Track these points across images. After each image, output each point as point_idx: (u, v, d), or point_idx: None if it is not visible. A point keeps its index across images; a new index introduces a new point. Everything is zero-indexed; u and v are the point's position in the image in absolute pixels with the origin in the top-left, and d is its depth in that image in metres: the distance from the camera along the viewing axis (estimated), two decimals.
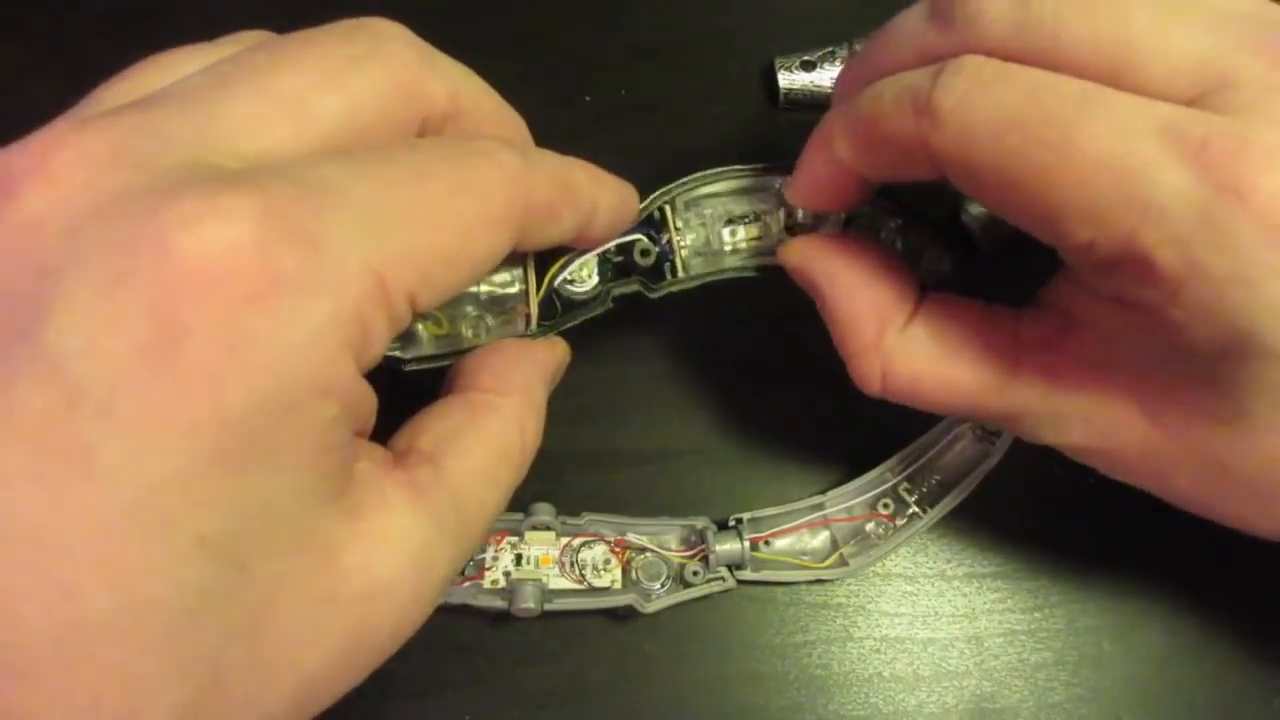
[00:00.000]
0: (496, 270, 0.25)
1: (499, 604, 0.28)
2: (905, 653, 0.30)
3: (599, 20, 0.39)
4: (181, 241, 0.15)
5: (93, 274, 0.15)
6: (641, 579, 0.30)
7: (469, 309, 0.25)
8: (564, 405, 0.33)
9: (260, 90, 0.19)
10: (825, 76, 0.37)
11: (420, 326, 0.25)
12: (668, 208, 0.28)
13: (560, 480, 0.32)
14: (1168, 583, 0.31)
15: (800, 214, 0.28)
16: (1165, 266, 0.19)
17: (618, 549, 0.30)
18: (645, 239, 0.27)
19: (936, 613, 0.31)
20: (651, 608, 0.29)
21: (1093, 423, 0.23)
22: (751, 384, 0.34)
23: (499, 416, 0.23)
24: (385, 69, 0.20)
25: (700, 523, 0.30)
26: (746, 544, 0.30)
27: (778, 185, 0.28)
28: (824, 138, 0.24)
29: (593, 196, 0.23)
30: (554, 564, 0.29)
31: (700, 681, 0.30)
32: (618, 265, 0.27)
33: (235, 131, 0.18)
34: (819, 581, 0.31)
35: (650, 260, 0.27)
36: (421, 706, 0.29)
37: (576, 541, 0.30)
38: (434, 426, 0.22)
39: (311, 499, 0.17)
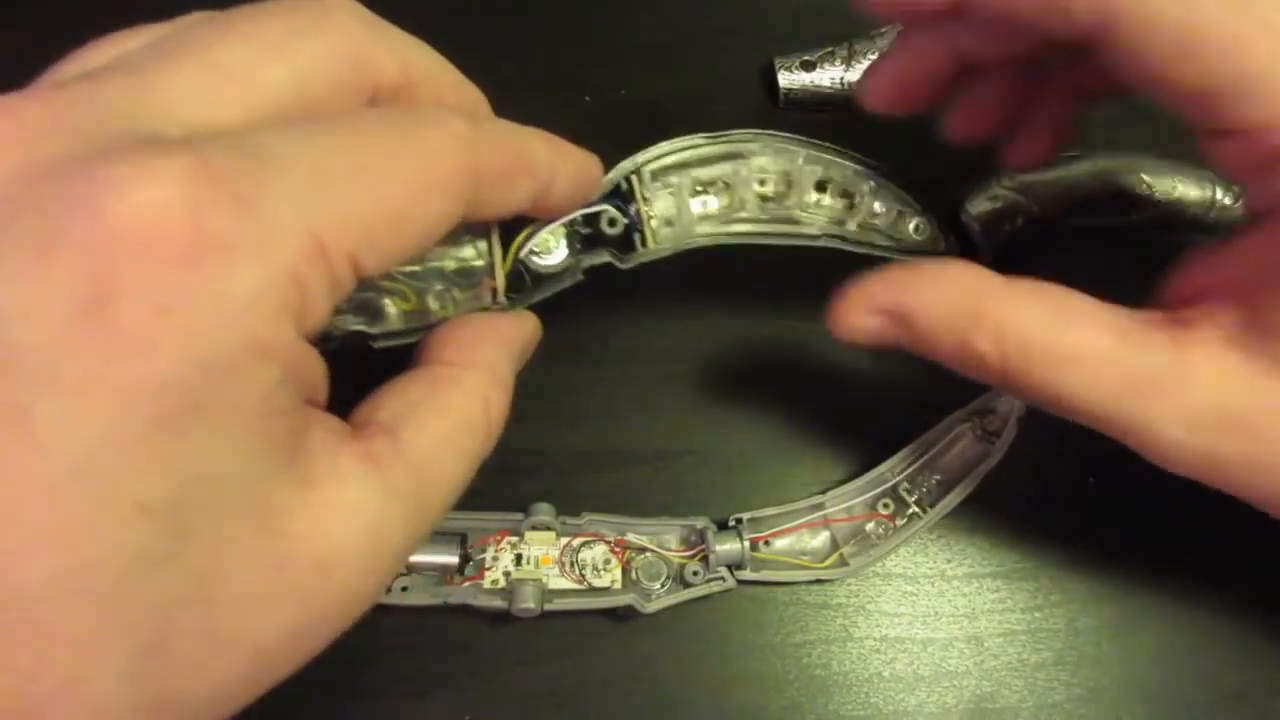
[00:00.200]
0: (461, 243, 0.25)
1: (499, 604, 0.28)
2: (905, 653, 0.30)
3: (599, 20, 0.39)
4: (112, 203, 0.15)
5: (27, 239, 0.15)
6: (641, 579, 0.30)
7: (435, 283, 0.25)
8: (564, 405, 0.33)
9: (202, 61, 0.19)
10: (825, 76, 0.37)
11: (387, 301, 0.24)
12: (634, 178, 0.27)
13: (560, 480, 0.32)
14: (1168, 583, 0.31)
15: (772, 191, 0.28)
16: None
17: (618, 549, 0.30)
18: (612, 209, 0.27)
19: (936, 613, 0.31)
20: (651, 608, 0.29)
21: (1226, 403, 0.22)
22: (751, 384, 0.34)
23: (462, 389, 0.22)
24: (332, 39, 0.20)
25: (700, 523, 0.30)
26: (746, 544, 0.30)
27: (747, 154, 0.28)
28: None
29: (550, 165, 0.23)
30: (554, 564, 0.29)
31: (700, 681, 0.30)
32: (586, 237, 0.27)
33: (176, 101, 0.18)
34: (819, 581, 0.31)
35: (618, 230, 0.27)
36: (421, 706, 0.29)
37: (576, 541, 0.30)
38: (394, 400, 0.21)
39: (259, 465, 0.17)
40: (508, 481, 0.32)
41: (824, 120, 0.37)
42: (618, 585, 0.30)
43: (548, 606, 0.29)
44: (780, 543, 0.31)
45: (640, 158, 0.28)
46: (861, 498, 0.31)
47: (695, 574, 0.30)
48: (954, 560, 0.32)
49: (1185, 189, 0.33)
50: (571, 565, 0.30)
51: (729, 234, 0.28)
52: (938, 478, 0.31)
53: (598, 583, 0.29)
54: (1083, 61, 0.23)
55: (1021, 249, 0.34)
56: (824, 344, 0.34)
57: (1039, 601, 0.31)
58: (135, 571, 0.15)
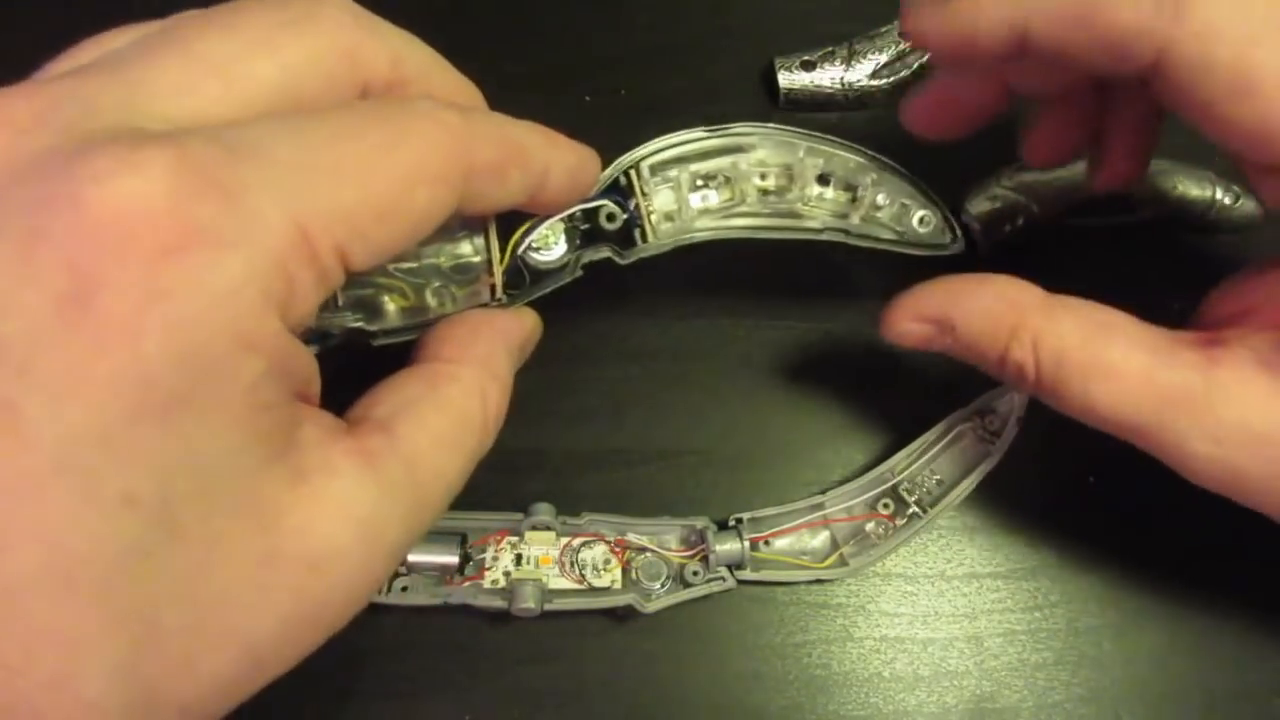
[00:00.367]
0: (459, 239, 0.25)
1: (499, 604, 0.28)
2: (905, 653, 0.30)
3: (599, 20, 0.39)
4: (94, 196, 0.15)
5: (9, 232, 0.15)
6: (641, 579, 0.30)
7: (434, 280, 0.25)
8: (564, 405, 0.33)
9: (188, 55, 0.19)
10: (825, 76, 0.37)
11: (386, 299, 0.24)
12: (633, 173, 0.27)
13: (560, 480, 0.32)
14: (1168, 583, 0.31)
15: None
16: None
17: (618, 549, 0.30)
18: (611, 204, 0.27)
19: (936, 613, 0.31)
20: (651, 608, 0.29)
21: (1254, 423, 0.23)
22: (752, 384, 0.34)
23: (459, 385, 0.22)
24: (321, 34, 0.20)
25: (700, 523, 0.30)
26: (746, 544, 0.30)
27: (747, 147, 0.28)
28: (1000, 24, 0.24)
29: (544, 158, 0.23)
30: (554, 564, 0.29)
31: (700, 681, 0.30)
32: (585, 233, 0.27)
33: (161, 96, 0.18)
34: (819, 581, 0.31)
35: (616, 224, 0.27)
36: (421, 706, 0.29)
37: (576, 541, 0.30)
38: (390, 396, 0.21)
39: (247, 459, 0.17)
40: (508, 481, 0.32)
41: (824, 120, 0.37)
42: (618, 585, 0.30)
43: (548, 606, 0.29)
44: (780, 543, 0.31)
45: (639, 152, 0.27)
46: (861, 498, 0.31)
47: (695, 574, 0.30)
48: (954, 560, 0.32)
49: (1185, 188, 0.34)
50: (571, 565, 0.30)
51: (730, 228, 0.28)
52: (938, 478, 0.31)
53: (598, 583, 0.29)
54: (1144, 88, 0.23)
55: (1021, 249, 0.34)
56: (824, 344, 0.34)
57: (1039, 601, 0.31)
58: (123, 565, 0.15)
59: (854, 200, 0.29)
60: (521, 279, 0.26)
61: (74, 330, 0.15)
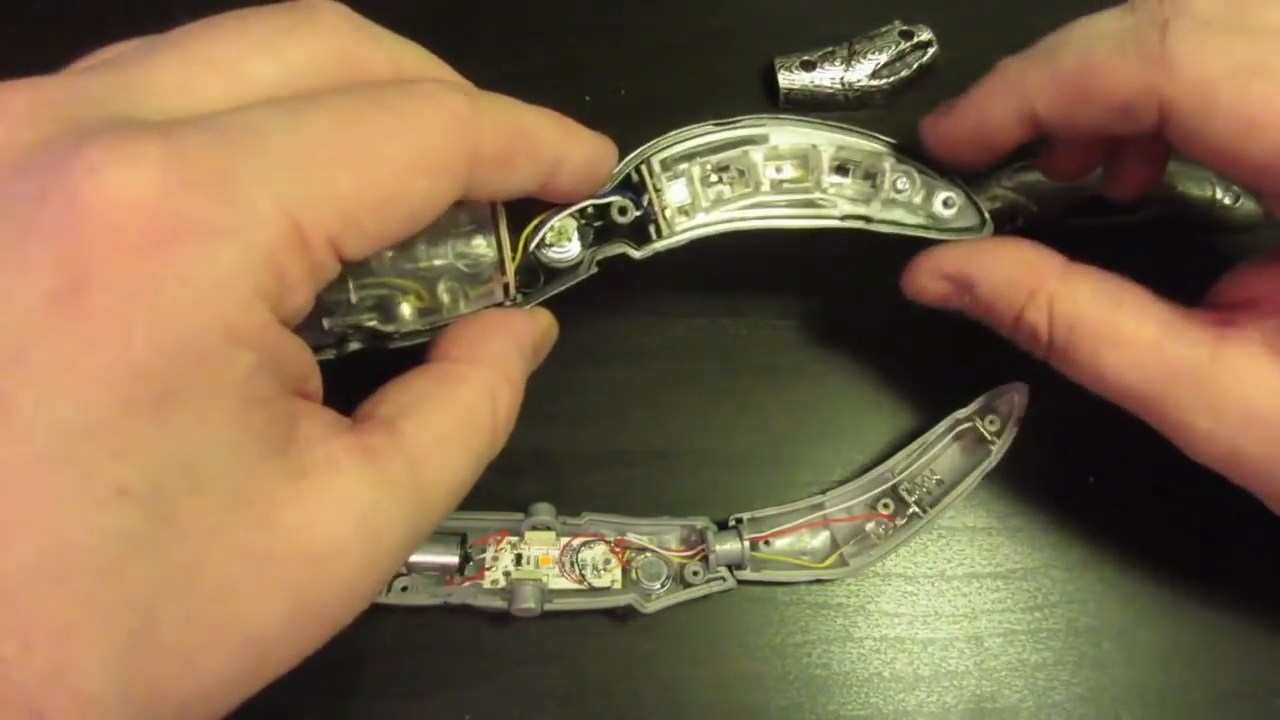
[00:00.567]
0: (471, 238, 0.24)
1: (499, 604, 0.28)
2: (905, 653, 0.30)
3: (599, 20, 0.39)
4: (85, 188, 0.15)
5: (3, 225, 0.16)
6: (641, 579, 0.30)
7: (447, 280, 0.25)
8: (564, 405, 0.33)
9: (188, 57, 0.19)
10: (825, 76, 0.37)
11: (401, 299, 0.24)
12: (644, 168, 0.27)
13: (560, 480, 0.32)
14: (1168, 583, 0.31)
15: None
16: None
17: (618, 549, 0.30)
18: (623, 200, 0.26)
19: (936, 613, 0.31)
20: (651, 608, 0.29)
21: (1257, 404, 0.23)
22: (752, 384, 0.34)
23: (468, 385, 0.22)
24: (320, 37, 0.20)
25: (700, 523, 0.30)
26: (746, 544, 0.30)
27: (759, 138, 0.28)
28: (1012, 85, 0.25)
29: (556, 147, 0.23)
30: (554, 564, 0.29)
31: (700, 681, 0.30)
32: (599, 229, 0.26)
33: (160, 92, 0.18)
34: (819, 581, 0.31)
35: (629, 218, 0.26)
36: (421, 706, 0.29)
37: (576, 541, 0.30)
38: (397, 395, 0.21)
39: (243, 454, 0.17)
40: (508, 481, 0.32)
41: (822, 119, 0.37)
42: (618, 585, 0.30)
43: (548, 606, 0.29)
44: (780, 543, 0.31)
45: (650, 148, 0.27)
46: (861, 498, 0.31)
47: (695, 574, 0.30)
48: (954, 560, 0.32)
49: (1185, 188, 0.33)
50: (571, 565, 0.30)
51: (747, 219, 0.27)
52: (938, 478, 0.31)
53: (598, 583, 0.29)
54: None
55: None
56: (824, 344, 0.34)
57: (1039, 601, 0.31)
58: (118, 557, 0.15)
59: (873, 187, 0.28)
60: (536, 278, 0.26)
61: (64, 323, 0.15)
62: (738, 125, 0.28)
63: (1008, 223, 0.33)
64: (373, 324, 0.24)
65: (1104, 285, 0.26)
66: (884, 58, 0.36)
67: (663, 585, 0.30)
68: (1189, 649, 0.30)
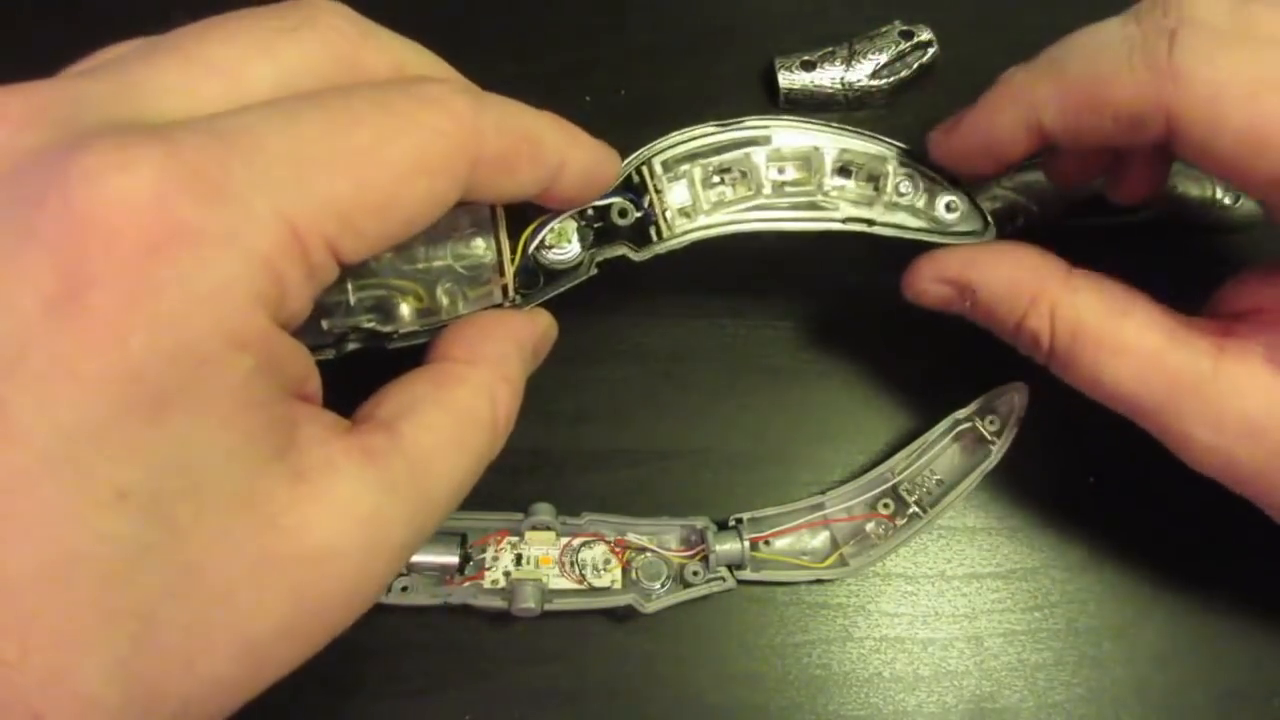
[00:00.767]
0: (471, 239, 0.24)
1: (499, 604, 0.28)
2: (905, 653, 0.30)
3: (599, 20, 0.39)
4: (83, 195, 0.16)
5: (2, 231, 0.16)
6: (641, 579, 0.30)
7: (446, 281, 0.25)
8: (564, 405, 0.33)
9: (186, 59, 0.19)
10: (825, 76, 0.37)
11: (400, 300, 0.24)
12: (645, 169, 0.27)
13: (560, 480, 0.32)
14: (1168, 583, 0.31)
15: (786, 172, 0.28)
16: None
17: (618, 549, 0.30)
18: (624, 202, 0.26)
19: (936, 613, 0.31)
20: (651, 608, 0.29)
21: (1255, 415, 0.23)
22: (752, 384, 0.34)
23: (467, 386, 0.22)
24: (319, 39, 0.20)
25: (700, 523, 0.30)
26: (746, 544, 0.30)
27: (761, 140, 0.27)
28: (1016, 92, 0.24)
29: (559, 152, 0.22)
30: (554, 564, 0.29)
31: (700, 681, 0.30)
32: (599, 231, 0.26)
33: (158, 94, 0.18)
34: (819, 581, 0.31)
35: (629, 220, 0.26)
36: (421, 706, 0.29)
37: (576, 541, 0.30)
38: (397, 396, 0.21)
39: (242, 457, 0.17)
40: (508, 481, 0.32)
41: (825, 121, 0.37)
42: (618, 585, 0.30)
43: (548, 606, 0.29)
44: (780, 543, 0.31)
45: (651, 149, 0.27)
46: (861, 498, 0.31)
47: (695, 574, 0.30)
48: (954, 560, 0.32)
49: (1185, 188, 0.33)
50: (571, 565, 0.30)
51: (748, 221, 0.27)
52: (938, 478, 0.31)
53: (598, 583, 0.29)
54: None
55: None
56: (824, 344, 0.34)
57: (1039, 601, 0.31)
58: (118, 560, 0.15)
59: (877, 190, 0.28)
60: (535, 279, 0.26)
61: (62, 328, 0.15)
62: (740, 127, 0.27)
63: (1008, 223, 0.33)
64: (371, 325, 0.24)
65: (1106, 293, 0.26)
66: (884, 58, 0.36)
67: (663, 585, 0.30)
68: (1189, 649, 0.30)
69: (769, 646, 0.30)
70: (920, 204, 0.28)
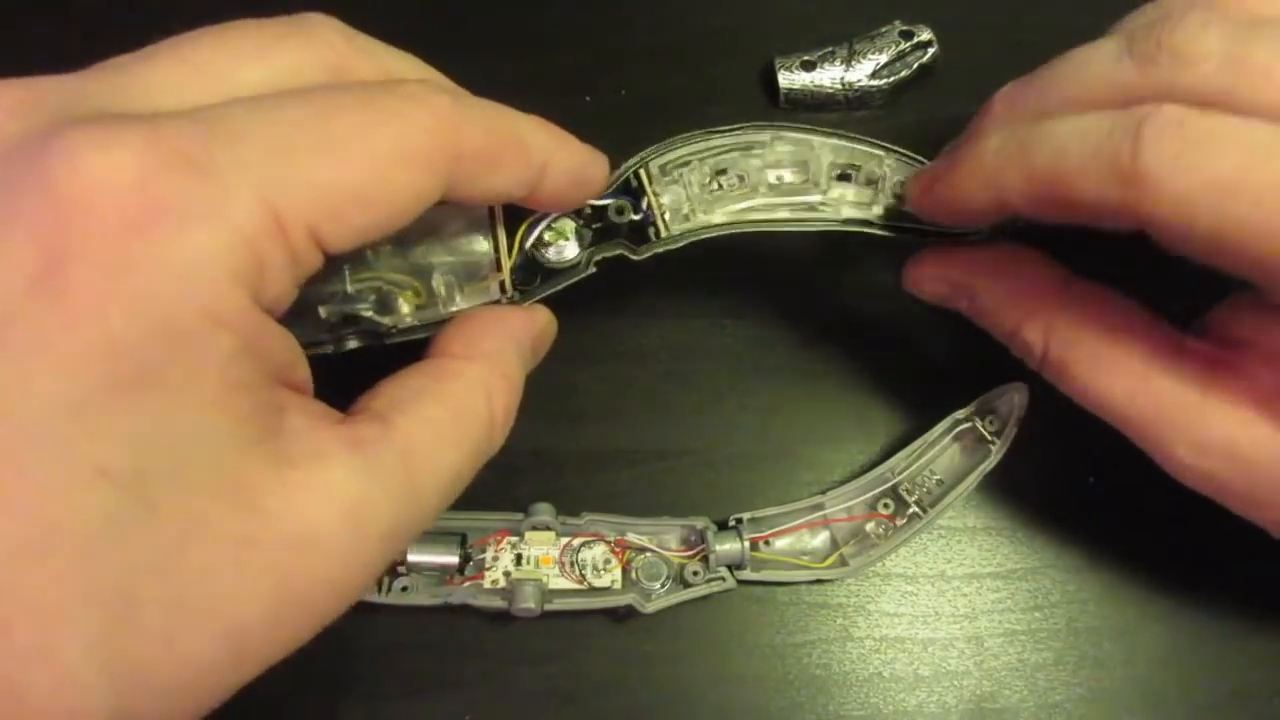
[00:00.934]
0: (468, 236, 0.25)
1: (499, 604, 0.28)
2: (905, 653, 0.30)
3: (599, 20, 0.39)
4: (64, 175, 0.16)
5: None
6: (641, 579, 0.30)
7: (444, 277, 0.25)
8: (564, 405, 0.33)
9: (180, 59, 0.19)
10: (825, 76, 0.37)
11: (398, 295, 0.24)
12: (643, 173, 0.27)
13: (560, 480, 0.32)
14: (1168, 583, 0.31)
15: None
16: None
17: (618, 549, 0.30)
18: (621, 201, 0.26)
19: (936, 613, 0.31)
20: (651, 608, 0.29)
21: (1238, 445, 0.23)
22: (751, 384, 0.34)
23: (463, 380, 0.22)
24: (310, 47, 0.21)
25: (700, 523, 0.30)
26: (746, 544, 0.30)
27: (759, 145, 0.28)
28: (986, 171, 0.24)
29: (543, 152, 0.23)
30: (554, 564, 0.29)
31: (700, 681, 0.30)
32: (597, 231, 0.26)
33: (149, 91, 0.19)
34: (819, 581, 0.31)
35: (625, 219, 0.26)
36: (421, 706, 0.29)
37: (576, 541, 0.30)
38: (391, 390, 0.21)
39: (228, 440, 0.17)
40: (508, 481, 0.32)
41: (825, 120, 0.37)
42: (618, 585, 0.30)
43: (548, 606, 0.29)
44: (780, 543, 0.31)
45: (649, 152, 0.27)
46: (861, 498, 0.31)
47: (695, 574, 0.30)
48: (954, 560, 0.32)
49: None
50: (571, 565, 0.30)
51: (746, 222, 0.27)
52: (938, 478, 0.31)
53: (598, 583, 0.29)
54: None
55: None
56: (824, 344, 0.34)
57: (1039, 601, 0.31)
58: (99, 537, 0.15)
59: (876, 192, 0.28)
60: (533, 276, 0.26)
61: (45, 305, 0.15)
62: (738, 131, 0.28)
63: (1009, 223, 0.33)
64: (369, 315, 0.24)
65: (1102, 309, 0.26)
66: (884, 58, 0.36)
67: (663, 585, 0.30)
68: (1190, 649, 0.30)
69: (769, 646, 0.30)
70: None
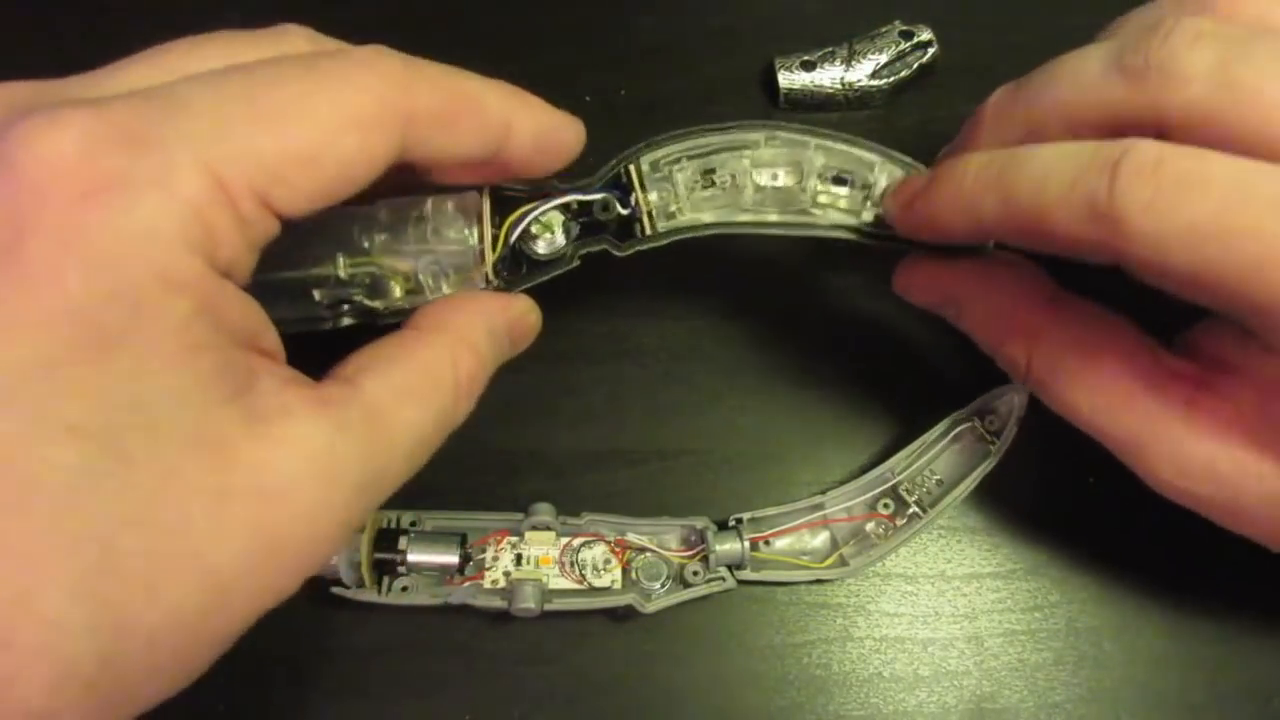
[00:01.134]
0: (455, 225, 0.25)
1: (499, 604, 0.28)
2: (905, 653, 0.30)
3: (599, 20, 0.39)
4: (20, 155, 0.17)
5: None
6: (641, 579, 0.30)
7: (432, 265, 0.25)
8: (564, 405, 0.33)
9: (153, 64, 0.21)
10: (825, 76, 0.37)
11: (390, 279, 0.25)
12: (633, 168, 0.27)
13: (560, 480, 0.32)
14: (1168, 583, 0.31)
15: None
16: None
17: (618, 549, 0.30)
18: (609, 197, 0.27)
19: (936, 613, 0.31)
20: (651, 608, 0.29)
21: (1219, 466, 0.23)
22: (751, 384, 0.34)
23: (429, 349, 0.23)
24: (277, 50, 0.22)
25: (700, 523, 0.30)
26: (746, 544, 0.30)
27: (752, 144, 0.27)
28: (964, 197, 0.24)
29: (503, 112, 0.23)
30: (554, 564, 0.29)
31: (700, 681, 0.30)
32: (584, 225, 0.27)
33: (119, 90, 0.19)
34: (819, 581, 0.31)
35: (612, 215, 0.27)
36: (421, 706, 0.29)
37: (576, 541, 0.30)
38: (360, 358, 0.22)
39: (194, 397, 0.18)
40: (508, 481, 0.32)
41: (824, 120, 0.37)
42: (618, 585, 0.30)
43: (548, 606, 0.29)
44: (780, 543, 0.31)
45: (640, 148, 0.27)
46: (861, 498, 0.31)
47: (695, 574, 0.30)
48: (954, 560, 0.32)
49: None
50: (571, 565, 0.30)
51: (732, 224, 0.27)
52: (938, 478, 0.31)
53: (598, 583, 0.29)
54: None
55: (1024, 252, 0.34)
56: (824, 344, 0.34)
57: (1039, 601, 0.31)
58: (75, 490, 0.16)
59: (866, 197, 0.28)
60: (518, 268, 0.26)
61: (7, 275, 0.17)
62: (730, 130, 0.28)
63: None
64: (360, 298, 0.25)
65: (1086, 327, 0.26)
66: (884, 58, 0.36)
67: (663, 585, 0.30)
68: (1189, 649, 0.30)
69: (769, 646, 0.30)
70: None
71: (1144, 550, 0.31)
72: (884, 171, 0.27)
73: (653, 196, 0.27)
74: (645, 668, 0.30)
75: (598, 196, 0.27)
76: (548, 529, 0.30)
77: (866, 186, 0.28)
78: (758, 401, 0.33)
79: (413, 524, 0.30)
